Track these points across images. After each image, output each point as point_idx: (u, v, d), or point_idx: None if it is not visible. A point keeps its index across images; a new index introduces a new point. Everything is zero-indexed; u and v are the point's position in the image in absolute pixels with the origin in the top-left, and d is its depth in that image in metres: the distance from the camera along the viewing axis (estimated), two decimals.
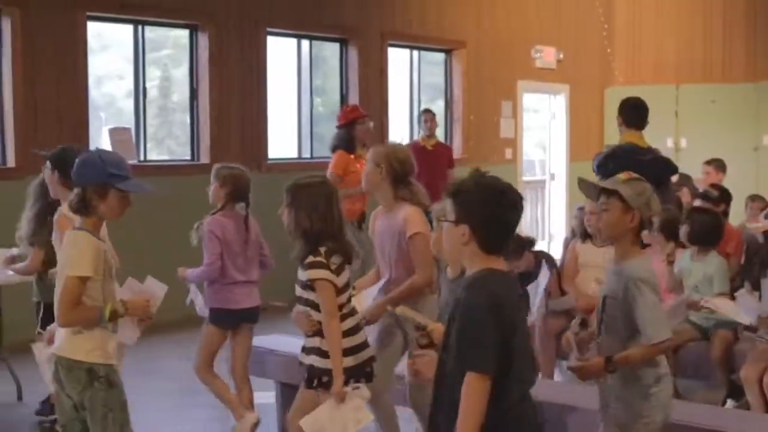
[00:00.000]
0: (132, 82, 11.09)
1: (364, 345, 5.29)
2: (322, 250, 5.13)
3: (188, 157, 11.59)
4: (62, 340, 4.68)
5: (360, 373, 5.21)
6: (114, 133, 10.65)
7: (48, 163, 6.36)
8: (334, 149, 10.42)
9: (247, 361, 6.78)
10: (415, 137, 12.72)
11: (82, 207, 4.66)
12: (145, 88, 11.10)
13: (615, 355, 4.34)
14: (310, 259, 5.15)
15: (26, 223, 7.05)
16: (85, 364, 4.62)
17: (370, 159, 6.02)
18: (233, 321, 6.75)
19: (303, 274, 5.24)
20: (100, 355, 4.64)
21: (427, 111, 12.18)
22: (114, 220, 4.78)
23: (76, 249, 4.62)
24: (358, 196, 9.78)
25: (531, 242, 7.87)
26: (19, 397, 7.90)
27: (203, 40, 11.46)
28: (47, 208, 6.88)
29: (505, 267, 3.73)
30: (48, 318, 7.14)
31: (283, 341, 6.97)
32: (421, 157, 11.79)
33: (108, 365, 4.66)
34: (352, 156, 10.33)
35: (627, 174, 4.54)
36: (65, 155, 6.13)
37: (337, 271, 5.14)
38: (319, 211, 5.18)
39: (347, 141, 10.37)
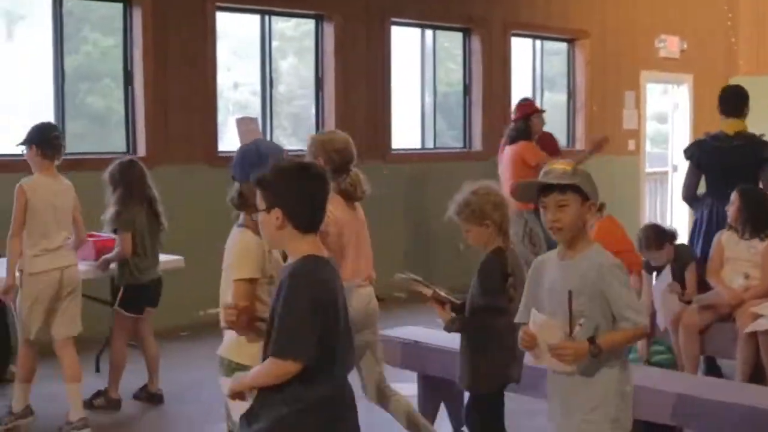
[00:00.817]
0: (243, 74, 11.02)
1: None
2: None
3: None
4: (229, 341, 4.43)
5: None
6: (241, 123, 10.51)
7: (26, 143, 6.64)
8: (512, 141, 10.45)
9: None
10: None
11: (242, 203, 4.40)
12: (271, 78, 11.00)
13: (598, 338, 3.98)
14: None
15: (110, 209, 7.10)
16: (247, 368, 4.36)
17: (308, 151, 5.87)
18: None
19: None
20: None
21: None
22: None
23: (238, 249, 4.37)
24: None
25: (673, 235, 7.59)
26: None
27: (329, 30, 11.32)
28: (127, 192, 7.02)
29: (322, 248, 3.69)
30: (130, 301, 7.17)
31: (424, 333, 6.75)
32: None
33: None
34: None
35: (564, 163, 4.16)
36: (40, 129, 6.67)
37: None
38: None
39: (525, 133, 10.44)
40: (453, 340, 5.17)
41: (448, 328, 4.92)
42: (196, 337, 9.38)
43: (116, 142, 9.89)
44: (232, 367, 4.36)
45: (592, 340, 3.95)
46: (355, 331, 4.00)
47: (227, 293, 4.37)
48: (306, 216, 3.64)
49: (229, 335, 4.42)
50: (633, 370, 4.26)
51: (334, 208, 5.47)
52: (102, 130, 10.07)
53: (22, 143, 6.75)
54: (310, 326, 3.50)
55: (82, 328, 6.86)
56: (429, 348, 6.44)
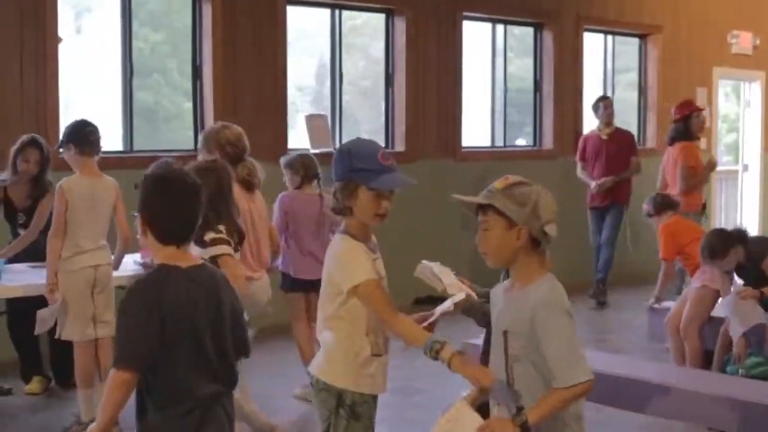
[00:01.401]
0: (310, 69, 10.64)
1: None
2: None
3: (382, 146, 11.01)
4: (321, 358, 4.10)
5: None
6: (310, 119, 10.18)
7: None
8: (672, 141, 10.33)
9: None
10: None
11: (338, 208, 4.05)
12: (341, 74, 10.60)
13: (523, 410, 3.42)
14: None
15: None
16: (335, 389, 4.04)
17: (201, 147, 6.12)
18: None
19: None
20: (352, 381, 4.05)
21: (605, 98, 11.54)
22: (373, 223, 4.07)
23: (344, 256, 4.01)
24: (698, 187, 10.20)
25: (740, 235, 7.16)
26: None
27: (400, 25, 10.90)
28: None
29: (189, 258, 3.61)
30: None
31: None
32: (597, 146, 11.31)
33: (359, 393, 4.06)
34: None
35: (504, 179, 3.55)
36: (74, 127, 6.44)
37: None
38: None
39: (685, 134, 10.30)
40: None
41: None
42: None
43: (162, 138, 9.62)
44: (318, 387, 4.08)
45: (519, 410, 3.43)
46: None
47: (328, 305, 4.06)
48: (163, 228, 3.54)
49: (322, 352, 4.11)
50: (737, 384, 3.79)
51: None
52: (148, 126, 9.68)
53: (59, 146, 6.52)
54: (140, 335, 3.42)
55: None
56: None
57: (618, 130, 11.49)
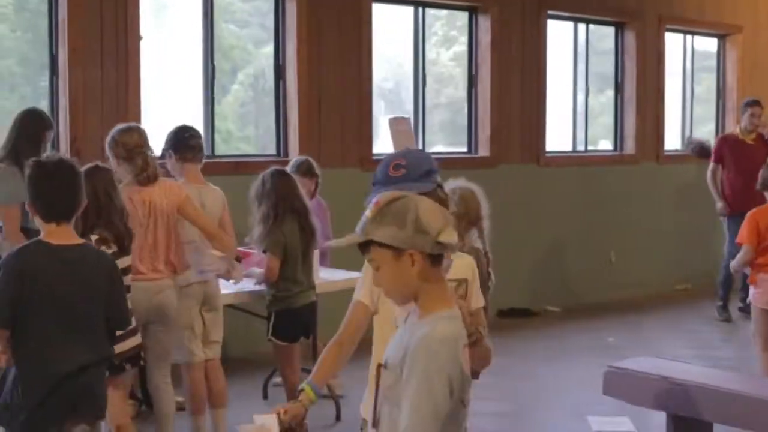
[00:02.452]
0: (393, 69, 9.98)
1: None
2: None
3: (464, 150, 10.39)
4: None
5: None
6: (394, 122, 9.50)
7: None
8: None
9: None
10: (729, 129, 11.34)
11: None
12: (424, 75, 9.93)
13: None
14: None
15: (256, 226, 6.12)
16: None
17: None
18: None
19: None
20: None
21: (755, 103, 10.61)
22: None
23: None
24: None
25: None
26: (338, 417, 6.86)
27: (484, 23, 10.23)
28: (277, 207, 5.99)
29: (68, 237, 4.02)
30: (282, 329, 6.14)
31: (675, 367, 5.71)
32: (738, 150, 10.37)
33: None
34: None
35: (375, 205, 2.89)
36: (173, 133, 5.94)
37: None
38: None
39: None
40: (711, 376, 4.58)
41: None
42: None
43: (239, 143, 9.04)
44: None
45: None
46: (139, 324, 5.08)
47: None
48: (42, 207, 4.01)
49: None
50: None
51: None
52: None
53: (161, 156, 5.92)
54: (6, 298, 3.90)
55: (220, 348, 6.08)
56: (681, 384, 5.30)
57: (759, 136, 10.57)
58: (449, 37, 10.47)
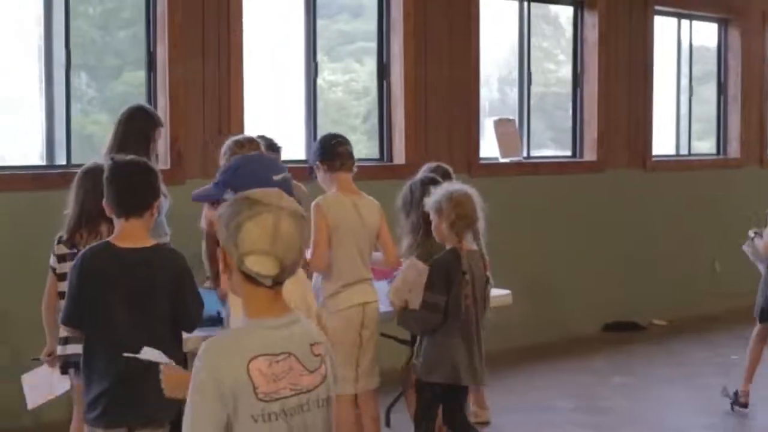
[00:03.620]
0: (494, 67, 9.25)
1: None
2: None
3: (569, 153, 9.62)
4: None
5: None
6: (499, 125, 8.80)
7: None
8: None
9: None
10: None
11: None
12: (530, 74, 9.17)
13: None
14: None
15: (404, 237, 5.41)
16: None
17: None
18: None
19: None
20: None
21: None
22: None
23: None
24: None
25: None
26: None
27: (591, 19, 9.47)
28: (426, 217, 5.13)
29: (138, 238, 3.95)
30: None
31: None
32: None
33: None
34: None
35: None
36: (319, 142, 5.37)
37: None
38: None
39: None
40: None
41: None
42: None
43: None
44: None
45: None
46: None
47: None
48: (112, 207, 4.02)
49: None
50: None
51: None
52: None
53: (309, 171, 5.35)
54: (68, 298, 4.00)
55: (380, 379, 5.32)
56: None
57: None
58: (554, 33, 9.69)
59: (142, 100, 6.67)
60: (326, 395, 2.68)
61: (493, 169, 8.53)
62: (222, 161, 5.11)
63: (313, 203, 5.09)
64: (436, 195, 4.93)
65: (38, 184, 6.28)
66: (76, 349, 4.40)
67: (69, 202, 4.63)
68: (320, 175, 5.24)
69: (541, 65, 9.48)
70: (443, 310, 4.80)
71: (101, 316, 3.91)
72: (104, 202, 4.02)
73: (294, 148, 7.37)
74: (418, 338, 5.09)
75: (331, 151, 5.19)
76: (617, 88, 9.58)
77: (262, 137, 5.72)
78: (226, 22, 6.98)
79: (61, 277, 4.52)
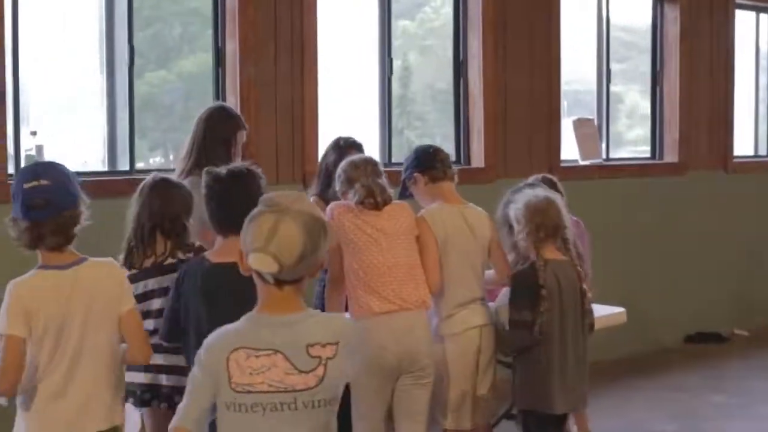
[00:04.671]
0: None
1: None
2: None
3: (648, 155, 8.99)
4: None
5: None
6: (579, 125, 8.17)
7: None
8: None
9: None
10: None
11: None
12: (608, 71, 8.54)
13: None
14: None
15: (508, 254, 4.76)
16: None
17: None
18: None
19: None
20: None
21: None
22: None
23: None
24: None
25: None
26: None
27: (671, 13, 8.82)
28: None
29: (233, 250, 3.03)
30: None
31: None
32: None
33: None
34: None
35: None
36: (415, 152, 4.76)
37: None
38: None
39: None
40: None
41: None
42: None
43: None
44: None
45: None
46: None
47: None
48: (213, 223, 3.79)
49: None
50: None
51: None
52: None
53: (402, 186, 4.75)
54: (165, 316, 3.80)
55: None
56: None
57: None
58: (632, 28, 9.04)
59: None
60: (325, 397, 2.68)
61: (574, 172, 7.90)
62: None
63: (418, 216, 4.51)
64: (515, 204, 4.50)
65: (100, 191, 5.70)
66: (132, 377, 3.93)
67: (128, 218, 4.12)
68: (419, 187, 4.66)
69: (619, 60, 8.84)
70: (531, 326, 4.32)
71: (200, 334, 3.36)
72: (198, 219, 3.83)
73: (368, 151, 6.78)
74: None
75: (431, 159, 4.63)
76: (699, 86, 8.93)
77: (346, 138, 5.27)
78: (300, 16, 6.39)
79: None
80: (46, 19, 5.80)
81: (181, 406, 2.72)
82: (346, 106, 6.98)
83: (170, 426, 2.74)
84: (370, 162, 4.44)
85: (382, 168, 4.46)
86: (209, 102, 5.96)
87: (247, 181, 3.59)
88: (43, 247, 3.33)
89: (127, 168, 5.95)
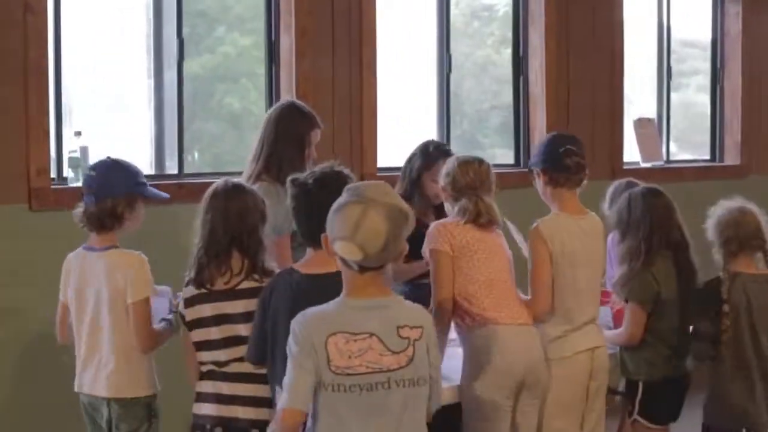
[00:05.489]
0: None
1: None
2: None
3: (707, 158, 8.48)
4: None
5: None
6: (639, 125, 7.68)
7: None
8: None
9: None
10: None
11: None
12: (669, 68, 8.05)
13: None
14: None
15: (617, 265, 4.45)
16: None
17: None
18: None
19: None
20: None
21: None
22: None
23: None
24: None
25: None
26: None
27: (733, 7, 8.31)
28: (648, 241, 4.28)
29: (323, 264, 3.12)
30: (652, 404, 4.29)
31: None
32: None
33: None
34: None
35: None
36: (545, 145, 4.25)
37: None
38: None
39: None
40: None
41: None
42: None
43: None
44: None
45: None
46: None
47: None
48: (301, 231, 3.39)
49: None
50: None
51: None
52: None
53: (529, 168, 4.31)
54: (252, 332, 3.35)
55: None
56: None
57: None
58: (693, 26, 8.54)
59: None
60: (413, 377, 2.83)
61: (636, 174, 7.32)
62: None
63: (532, 229, 4.05)
64: (713, 216, 4.32)
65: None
66: (200, 408, 3.54)
67: (195, 230, 3.60)
68: (539, 184, 4.19)
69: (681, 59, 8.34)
70: (711, 339, 4.12)
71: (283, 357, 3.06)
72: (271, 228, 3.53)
73: None
74: None
75: (557, 160, 4.10)
76: (761, 85, 8.42)
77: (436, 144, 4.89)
78: (358, 6, 5.89)
79: (195, 324, 3.53)
80: (90, 11, 5.30)
81: (287, 386, 2.80)
82: (402, 102, 6.47)
83: (280, 406, 2.82)
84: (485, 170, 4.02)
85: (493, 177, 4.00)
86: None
87: (338, 187, 3.11)
88: (87, 228, 3.76)
89: (176, 171, 5.45)
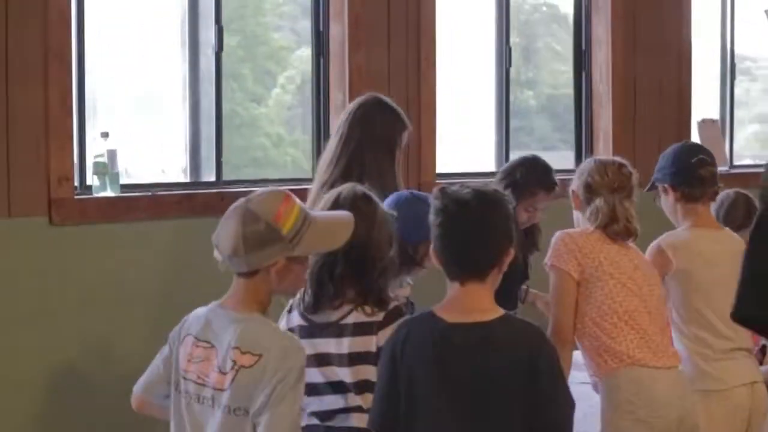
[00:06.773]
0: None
1: None
2: None
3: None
4: None
5: None
6: (703, 126, 6.97)
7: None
8: None
9: None
10: None
11: None
12: (733, 66, 7.33)
13: None
14: None
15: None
16: None
17: None
18: None
19: None
20: None
21: None
22: None
23: None
24: None
25: None
26: None
27: None
28: None
29: (475, 305, 2.51)
30: None
31: None
32: None
33: None
34: None
35: None
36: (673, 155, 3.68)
37: None
38: None
39: None
40: None
41: None
42: None
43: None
44: None
45: None
46: None
47: None
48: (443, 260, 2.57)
49: None
50: None
51: None
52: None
53: (649, 187, 3.75)
54: (377, 394, 2.60)
55: None
56: None
57: None
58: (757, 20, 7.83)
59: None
60: (230, 404, 2.48)
61: None
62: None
63: (654, 245, 3.49)
64: None
65: (182, 208, 4.45)
66: None
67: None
68: (668, 200, 3.63)
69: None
70: None
71: (424, 423, 2.49)
72: (432, 250, 2.59)
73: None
74: None
75: (690, 173, 3.56)
76: None
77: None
78: (416, 8, 5.17)
79: None
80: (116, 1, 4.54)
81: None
82: (459, 100, 5.76)
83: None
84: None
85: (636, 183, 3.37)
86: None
87: (500, 211, 2.46)
88: None
89: (213, 179, 4.70)
